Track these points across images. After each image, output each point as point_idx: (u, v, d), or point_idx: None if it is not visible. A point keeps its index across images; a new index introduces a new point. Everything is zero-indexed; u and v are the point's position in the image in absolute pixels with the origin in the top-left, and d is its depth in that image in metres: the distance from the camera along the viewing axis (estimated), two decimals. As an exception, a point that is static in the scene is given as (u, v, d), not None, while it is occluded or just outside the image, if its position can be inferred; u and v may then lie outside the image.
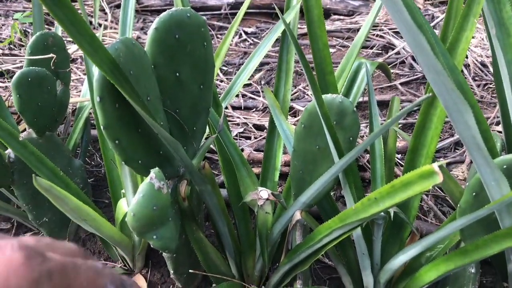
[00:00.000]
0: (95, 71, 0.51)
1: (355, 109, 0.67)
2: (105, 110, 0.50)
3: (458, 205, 0.73)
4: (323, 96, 0.67)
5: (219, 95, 1.06)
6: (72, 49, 1.75)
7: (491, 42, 0.74)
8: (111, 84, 0.50)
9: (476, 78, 1.81)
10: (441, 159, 1.39)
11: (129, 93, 0.49)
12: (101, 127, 0.53)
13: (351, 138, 0.70)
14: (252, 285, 0.93)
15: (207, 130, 0.94)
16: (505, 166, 0.64)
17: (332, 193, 1.21)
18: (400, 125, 1.53)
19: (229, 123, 1.47)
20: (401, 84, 1.75)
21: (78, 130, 1.14)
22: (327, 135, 0.64)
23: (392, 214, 0.76)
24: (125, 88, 0.48)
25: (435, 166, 0.45)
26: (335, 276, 1.01)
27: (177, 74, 0.62)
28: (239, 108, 1.60)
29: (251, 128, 1.47)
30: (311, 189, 0.69)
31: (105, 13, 2.23)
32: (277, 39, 1.03)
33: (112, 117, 0.53)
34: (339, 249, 0.89)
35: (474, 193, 0.69)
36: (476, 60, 1.87)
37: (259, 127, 1.49)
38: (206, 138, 0.75)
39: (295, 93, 1.73)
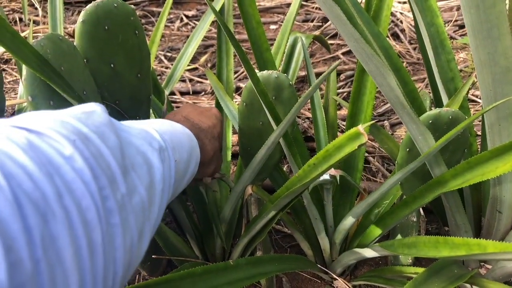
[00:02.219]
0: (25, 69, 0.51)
1: (291, 83, 0.70)
2: (39, 109, 0.50)
3: (396, 161, 0.78)
4: (260, 73, 0.69)
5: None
6: (1, 49, 1.66)
7: (411, 6, 0.79)
8: (42, 82, 0.50)
9: (412, 42, 1.90)
10: (385, 121, 1.47)
11: (63, 88, 0.49)
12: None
13: (291, 111, 0.73)
14: (216, 263, 0.96)
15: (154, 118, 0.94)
16: (430, 121, 0.69)
17: (287, 165, 1.26)
18: (345, 94, 1.59)
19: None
20: (343, 54, 1.81)
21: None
22: (266, 110, 0.66)
23: (338, 178, 0.80)
24: (57, 84, 0.48)
25: (360, 128, 0.49)
26: (294, 243, 1.06)
27: (112, 65, 0.62)
28: (187, 93, 1.59)
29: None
30: (253, 163, 0.71)
31: (36, 8, 2.12)
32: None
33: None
34: (295, 217, 0.94)
35: (407, 149, 0.74)
36: (411, 25, 1.96)
37: (209, 110, 1.50)
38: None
39: (243, 72, 1.74)
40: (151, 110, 0.93)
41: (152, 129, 0.47)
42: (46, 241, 0.26)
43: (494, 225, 0.82)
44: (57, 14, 0.94)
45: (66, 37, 0.59)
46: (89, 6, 0.57)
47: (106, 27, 0.59)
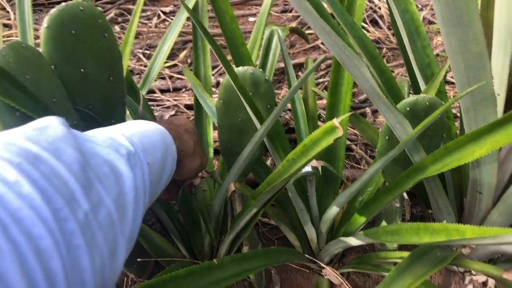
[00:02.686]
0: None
1: (267, 77, 0.70)
2: (5, 122, 0.49)
3: (376, 149, 0.79)
4: (235, 69, 0.68)
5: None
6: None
7: (384, -6, 0.79)
8: (5, 95, 0.48)
9: (391, 27, 1.90)
10: (367, 108, 1.48)
11: (23, 102, 0.47)
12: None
13: (268, 106, 0.72)
14: (204, 260, 0.96)
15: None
16: (408, 109, 0.69)
17: (271, 159, 1.26)
18: (326, 83, 1.59)
19: (158, 107, 1.45)
20: (322, 43, 1.80)
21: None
22: (247, 106, 0.66)
23: (320, 169, 0.80)
24: (16, 98, 0.46)
25: (335, 121, 0.49)
26: (282, 235, 1.06)
27: (82, 70, 0.61)
28: (167, 90, 1.58)
29: (183, 109, 1.46)
30: (239, 161, 0.71)
31: (8, 12, 2.06)
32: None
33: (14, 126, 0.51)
34: (280, 209, 0.94)
35: (387, 137, 0.74)
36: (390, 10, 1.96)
37: (191, 107, 1.48)
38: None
39: (222, 67, 1.73)
40: (128, 112, 0.92)
41: (120, 134, 0.45)
42: None
43: (476, 206, 0.83)
44: (25, 17, 0.91)
45: (38, 41, 0.57)
46: (53, 10, 0.56)
47: (72, 31, 0.57)
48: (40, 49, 0.56)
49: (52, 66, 0.57)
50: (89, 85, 0.63)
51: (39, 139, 0.33)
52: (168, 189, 0.69)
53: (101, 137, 0.43)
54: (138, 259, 0.84)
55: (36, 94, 0.51)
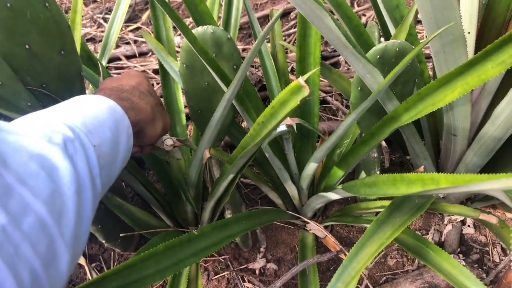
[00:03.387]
0: None
1: (229, 36, 0.66)
2: None
3: (350, 101, 0.77)
4: (194, 30, 0.64)
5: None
6: None
7: None
8: None
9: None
10: (340, 57, 1.44)
11: None
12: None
13: (235, 66, 0.69)
14: (189, 227, 0.95)
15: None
16: (378, 56, 0.67)
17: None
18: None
19: (126, 75, 1.39)
20: (290, -10, 1.72)
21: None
22: (210, 70, 0.62)
23: (295, 126, 0.78)
24: None
25: (300, 80, 0.46)
26: (265, 194, 1.06)
27: (27, 46, 0.56)
28: (133, 56, 1.51)
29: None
30: (210, 127, 0.69)
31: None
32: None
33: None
34: (260, 170, 0.93)
35: (359, 88, 0.73)
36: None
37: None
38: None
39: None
40: (90, 86, 0.88)
41: (56, 118, 0.40)
42: None
43: (451, 148, 0.83)
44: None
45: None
46: (-18, -18, 0.50)
47: (8, 4, 0.52)
48: (-26, 28, 0.51)
49: (-9, 46, 0.52)
50: (39, 62, 0.58)
51: None
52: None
53: (31, 125, 0.38)
54: (121, 234, 0.82)
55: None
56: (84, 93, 0.68)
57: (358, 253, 0.55)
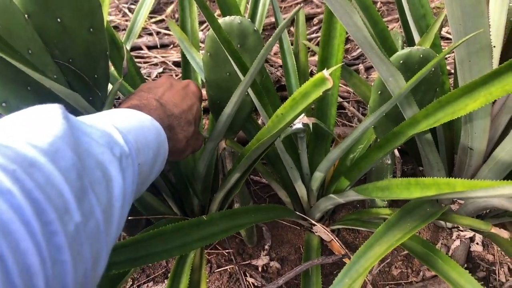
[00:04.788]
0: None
1: (256, 28, 0.67)
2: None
3: (368, 105, 0.77)
4: (222, 19, 0.65)
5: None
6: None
7: None
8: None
9: (386, -21, 1.83)
10: (360, 65, 1.45)
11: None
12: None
13: (258, 59, 0.69)
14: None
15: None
16: (401, 61, 0.67)
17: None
18: (319, 38, 1.55)
19: (145, 64, 1.41)
20: (315, -4, 1.74)
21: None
22: (231, 60, 0.63)
23: (311, 126, 0.79)
24: None
25: (325, 72, 0.47)
26: (273, 193, 1.07)
27: (58, 20, 0.57)
28: (154, 47, 1.52)
29: (171, 66, 1.42)
30: (222, 117, 0.69)
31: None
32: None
33: None
34: (271, 167, 0.93)
35: (379, 92, 0.73)
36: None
37: (179, 64, 1.44)
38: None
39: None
40: (112, 68, 0.89)
41: (115, 129, 0.41)
42: None
43: (466, 162, 0.83)
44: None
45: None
46: (23, -47, 0.51)
47: (45, -23, 0.53)
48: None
49: (26, 15, 0.53)
50: (68, 37, 0.59)
51: (36, 138, 0.31)
52: None
53: (98, 130, 0.40)
54: (129, 217, 0.83)
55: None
56: (108, 73, 0.69)
57: (367, 252, 0.55)
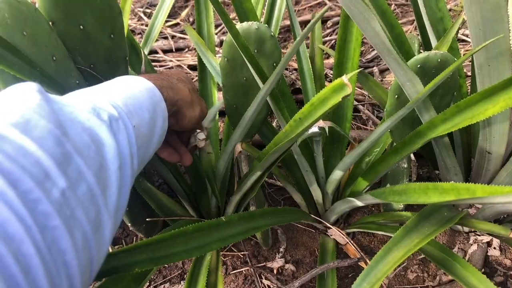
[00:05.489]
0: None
1: (272, 33, 0.67)
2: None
3: (385, 108, 0.77)
4: (239, 25, 0.66)
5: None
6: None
7: None
8: None
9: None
10: (374, 67, 1.44)
11: (16, 69, 0.46)
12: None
13: (274, 64, 0.70)
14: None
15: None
16: (419, 66, 0.67)
17: (277, 120, 1.24)
18: (332, 41, 1.55)
19: (161, 68, 1.43)
20: (329, -1, 1.74)
21: None
22: (249, 65, 0.64)
23: (327, 129, 0.79)
24: (10, 65, 0.44)
25: (344, 78, 0.47)
26: (288, 196, 1.07)
27: (81, 27, 0.58)
28: (170, 50, 1.54)
29: (186, 69, 1.44)
30: (243, 121, 0.70)
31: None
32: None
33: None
34: (286, 170, 0.94)
35: (396, 96, 0.73)
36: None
37: (194, 68, 1.46)
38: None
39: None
40: (130, 72, 0.90)
41: (102, 96, 0.42)
42: None
43: (484, 166, 0.82)
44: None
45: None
46: (48, -37, 0.53)
47: (69, -15, 0.55)
48: (36, 5, 0.53)
49: (50, 23, 0.55)
50: (90, 44, 0.61)
51: (7, 112, 0.31)
52: (176, 150, 0.68)
53: (82, 100, 0.40)
54: (146, 219, 0.85)
55: (35, 51, 0.49)
56: (127, 77, 0.70)
57: (385, 257, 0.55)
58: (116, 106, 0.42)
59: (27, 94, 0.34)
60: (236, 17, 0.79)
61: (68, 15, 0.56)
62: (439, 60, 0.66)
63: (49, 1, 0.54)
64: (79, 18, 0.58)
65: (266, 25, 0.66)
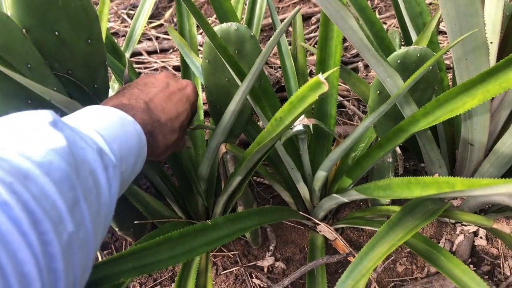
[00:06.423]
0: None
1: (252, 34, 0.67)
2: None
3: (368, 104, 0.77)
4: (218, 26, 0.66)
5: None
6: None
7: None
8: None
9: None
10: (359, 62, 1.45)
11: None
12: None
13: (256, 63, 0.70)
14: (200, 221, 0.97)
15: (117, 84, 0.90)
16: (398, 61, 0.67)
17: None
18: (317, 38, 1.55)
19: (146, 70, 1.42)
20: (312, -5, 1.73)
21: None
22: (228, 66, 0.64)
23: (311, 127, 0.79)
24: None
25: (320, 77, 0.47)
26: (276, 194, 1.07)
27: (56, 33, 0.57)
28: (154, 52, 1.53)
29: (171, 70, 1.43)
30: (223, 120, 0.70)
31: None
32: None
33: None
34: (273, 168, 0.94)
35: (378, 91, 0.73)
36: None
37: (179, 69, 1.45)
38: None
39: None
40: (113, 76, 0.90)
41: (101, 137, 0.42)
42: None
43: (467, 158, 0.83)
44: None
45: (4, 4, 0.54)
46: (19, -31, 0.52)
47: (42, -9, 0.54)
48: (8, 13, 0.53)
49: (24, 30, 0.54)
50: (67, 49, 0.60)
51: (30, 150, 0.32)
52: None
53: (89, 133, 0.41)
54: (135, 222, 0.84)
55: (9, 60, 0.49)
56: (108, 82, 0.70)
57: (369, 253, 0.55)
58: (113, 151, 0.43)
59: (48, 130, 0.35)
60: (216, 19, 0.78)
61: (43, 22, 0.55)
62: (418, 55, 0.67)
63: (23, 9, 0.53)
64: (54, 24, 0.57)
65: (246, 25, 0.66)
